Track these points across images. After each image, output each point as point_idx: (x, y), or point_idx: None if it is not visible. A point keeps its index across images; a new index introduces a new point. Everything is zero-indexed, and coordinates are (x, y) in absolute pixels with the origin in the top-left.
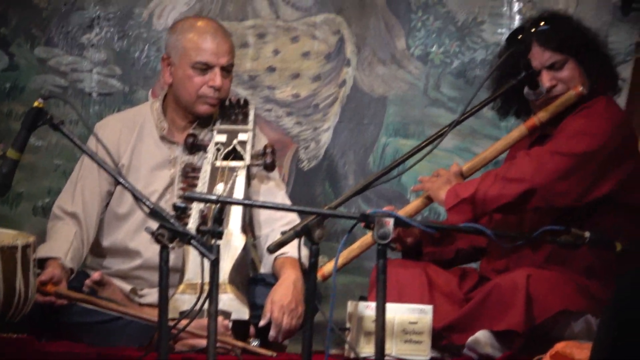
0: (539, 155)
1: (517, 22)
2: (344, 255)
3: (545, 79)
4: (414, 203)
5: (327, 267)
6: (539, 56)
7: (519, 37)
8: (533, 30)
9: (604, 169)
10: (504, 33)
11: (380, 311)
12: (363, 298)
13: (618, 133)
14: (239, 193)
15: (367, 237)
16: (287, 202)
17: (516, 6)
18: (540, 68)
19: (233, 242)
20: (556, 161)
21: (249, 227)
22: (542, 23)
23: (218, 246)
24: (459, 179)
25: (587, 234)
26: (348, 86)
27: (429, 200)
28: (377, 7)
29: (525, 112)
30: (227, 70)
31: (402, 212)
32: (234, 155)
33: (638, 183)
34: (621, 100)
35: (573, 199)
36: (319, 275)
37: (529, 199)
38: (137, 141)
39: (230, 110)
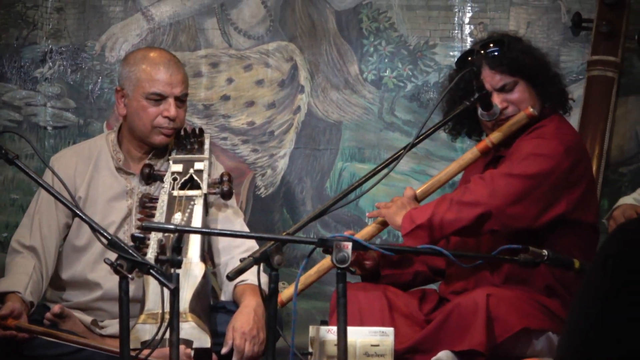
0: (493, 179)
1: (468, 44)
2: (301, 281)
3: (497, 101)
4: (370, 228)
5: (284, 294)
6: (490, 79)
7: (469, 59)
8: (483, 52)
9: (558, 189)
10: (456, 56)
11: (342, 335)
12: (324, 322)
13: (570, 153)
14: (196, 222)
15: (325, 262)
16: (245, 229)
17: (467, 29)
18: (491, 90)
19: (192, 270)
20: (509, 184)
21: (208, 255)
22: (491, 45)
23: (177, 275)
24: (413, 203)
25: (545, 252)
26: (303, 112)
27: (384, 225)
28: (329, 33)
29: (477, 133)
30: (181, 100)
31: (358, 237)
32: (191, 184)
33: (592, 201)
34: (574, 119)
35: (528, 220)
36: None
37: (485, 223)
38: (93, 173)
39: (186, 140)
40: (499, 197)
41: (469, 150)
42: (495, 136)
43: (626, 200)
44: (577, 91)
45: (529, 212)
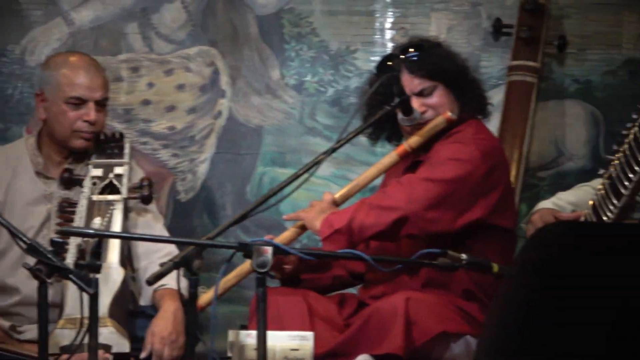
0: (410, 183)
1: (389, 49)
2: (221, 285)
3: (416, 105)
4: (289, 232)
5: (203, 298)
6: (409, 83)
7: (389, 64)
8: (402, 57)
9: (475, 194)
10: (377, 61)
11: (261, 339)
12: (244, 327)
13: (487, 158)
14: (116, 226)
15: (245, 266)
16: (166, 233)
17: (389, 34)
18: (410, 94)
19: (112, 275)
20: (427, 188)
21: (127, 260)
22: (411, 50)
23: (97, 280)
24: (332, 208)
25: (464, 257)
26: (224, 117)
27: (304, 229)
28: (250, 38)
29: (397, 138)
30: (101, 104)
31: (278, 241)
32: (111, 189)
33: (509, 207)
34: (494, 123)
35: (445, 225)
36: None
37: (402, 227)
38: (12, 177)
39: (106, 144)
40: (416, 201)
41: (387, 155)
42: (413, 140)
43: (545, 204)
44: (497, 96)
45: (446, 216)
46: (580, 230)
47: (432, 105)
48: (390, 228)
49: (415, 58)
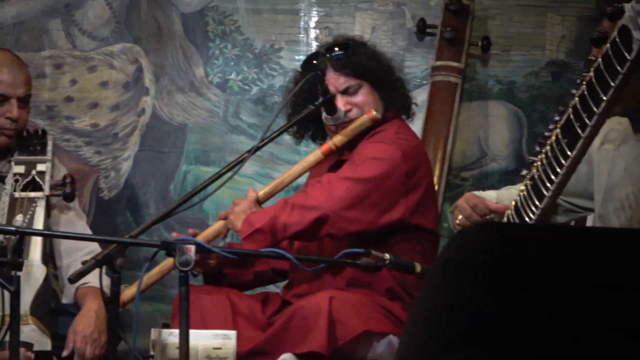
0: (330, 182)
1: (314, 48)
2: (143, 281)
3: (340, 104)
4: (213, 227)
5: (126, 294)
6: (334, 81)
7: (314, 62)
8: (327, 55)
9: (396, 194)
10: (301, 59)
11: (184, 338)
12: (166, 325)
13: (408, 158)
14: (38, 223)
15: (167, 262)
16: (88, 231)
17: (313, 33)
18: (335, 93)
19: (34, 273)
20: (346, 187)
21: (49, 257)
22: (336, 48)
23: (18, 277)
24: (255, 206)
25: (387, 256)
26: (147, 115)
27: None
28: (174, 36)
29: (322, 137)
30: (24, 101)
31: (202, 236)
32: (33, 186)
33: (431, 207)
34: (418, 123)
35: (365, 225)
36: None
37: (322, 226)
38: None
39: (28, 141)
40: (336, 200)
41: (311, 153)
42: (338, 139)
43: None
44: (420, 96)
45: (365, 216)
46: (502, 231)
47: (357, 104)
48: (310, 227)
49: (341, 56)
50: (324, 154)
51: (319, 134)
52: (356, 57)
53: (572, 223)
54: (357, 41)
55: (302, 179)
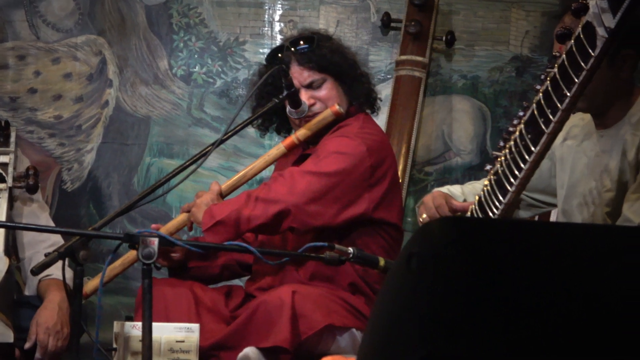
0: (292, 176)
1: (278, 42)
2: (106, 274)
3: (304, 98)
4: (177, 219)
5: (88, 286)
6: (298, 75)
7: (279, 55)
8: (292, 49)
9: (358, 188)
10: (265, 53)
11: (147, 330)
12: (129, 318)
13: (372, 152)
14: (1, 215)
15: (130, 254)
16: (51, 223)
17: (277, 26)
18: (299, 87)
19: None
20: (308, 181)
21: (12, 249)
22: (301, 42)
23: None
24: (217, 200)
25: (350, 250)
26: (111, 107)
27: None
28: (138, 28)
29: (286, 130)
30: None
31: (165, 229)
32: None
33: (395, 201)
34: (382, 118)
35: (327, 219)
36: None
37: (283, 220)
38: None
39: None
40: (298, 194)
41: (275, 146)
42: (301, 133)
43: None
44: (385, 90)
45: (327, 210)
46: (465, 226)
47: (321, 98)
48: (271, 221)
49: (305, 50)
50: (287, 147)
51: (284, 127)
52: (320, 51)
53: (536, 218)
54: (322, 35)
55: (265, 173)
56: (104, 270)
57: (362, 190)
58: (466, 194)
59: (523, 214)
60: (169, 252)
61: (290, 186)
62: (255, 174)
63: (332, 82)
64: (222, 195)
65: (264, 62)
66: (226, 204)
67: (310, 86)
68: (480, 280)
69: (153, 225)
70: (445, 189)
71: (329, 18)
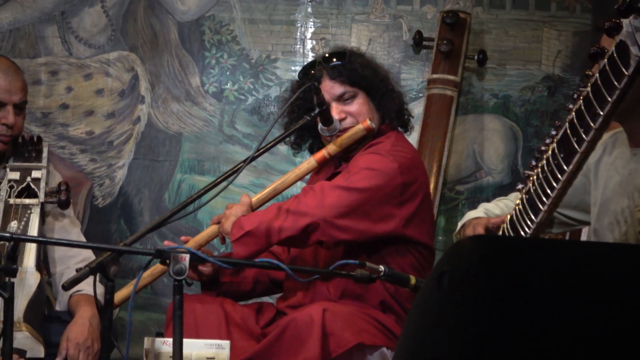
0: (322, 189)
1: (310, 59)
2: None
3: (335, 113)
4: (207, 231)
5: (117, 296)
6: (329, 88)
7: (311, 71)
8: (324, 63)
9: (388, 205)
10: (297, 70)
11: (177, 347)
12: (160, 334)
13: (404, 170)
14: (33, 230)
15: (158, 266)
16: (82, 239)
17: (309, 44)
18: (330, 101)
19: (27, 279)
20: (338, 195)
21: (43, 264)
22: (334, 59)
23: (12, 284)
24: (248, 211)
25: (382, 268)
26: (142, 123)
27: None
28: (171, 44)
29: (319, 148)
30: (20, 107)
31: (194, 241)
32: (28, 192)
33: (426, 220)
34: (413, 136)
35: (356, 234)
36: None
37: (312, 233)
38: None
39: (24, 148)
40: (327, 208)
41: (305, 160)
42: (332, 148)
43: (472, 214)
44: (416, 109)
45: (356, 225)
46: (496, 245)
47: (352, 112)
48: (299, 234)
49: (337, 64)
50: (318, 162)
51: (316, 145)
52: (352, 65)
53: (567, 235)
54: (354, 51)
55: (295, 188)
56: (134, 287)
57: (392, 207)
58: (490, 211)
59: (555, 231)
60: (200, 267)
61: (320, 200)
62: (286, 188)
63: (364, 97)
64: (252, 207)
65: (296, 79)
66: (255, 215)
67: (340, 99)
68: (510, 299)
69: (182, 238)
70: (481, 211)
71: (361, 36)
